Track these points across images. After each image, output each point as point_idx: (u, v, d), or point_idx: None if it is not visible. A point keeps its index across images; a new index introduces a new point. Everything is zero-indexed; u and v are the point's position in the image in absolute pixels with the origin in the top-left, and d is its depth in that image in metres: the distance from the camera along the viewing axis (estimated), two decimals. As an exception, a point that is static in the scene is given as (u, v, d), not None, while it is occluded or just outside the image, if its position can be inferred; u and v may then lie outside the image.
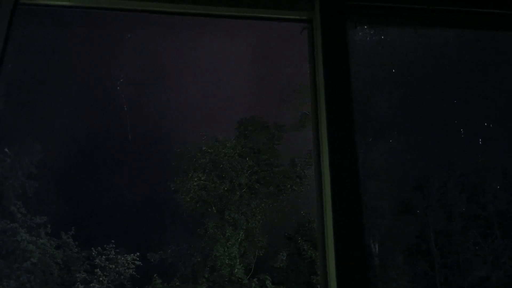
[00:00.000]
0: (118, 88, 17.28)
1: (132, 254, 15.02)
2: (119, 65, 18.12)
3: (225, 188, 15.86)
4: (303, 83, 17.25)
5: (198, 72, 19.61)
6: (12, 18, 1.98)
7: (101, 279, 14.34)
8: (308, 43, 2.11)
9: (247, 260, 15.40)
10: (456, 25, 2.33)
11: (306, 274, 15.47)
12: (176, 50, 19.26)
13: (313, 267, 15.37)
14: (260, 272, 15.27)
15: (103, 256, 14.75)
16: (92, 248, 14.81)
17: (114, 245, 15.02)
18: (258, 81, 19.48)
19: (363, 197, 1.79)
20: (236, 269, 14.92)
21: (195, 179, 15.99)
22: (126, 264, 14.81)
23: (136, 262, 14.96)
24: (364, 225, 1.73)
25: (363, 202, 1.75)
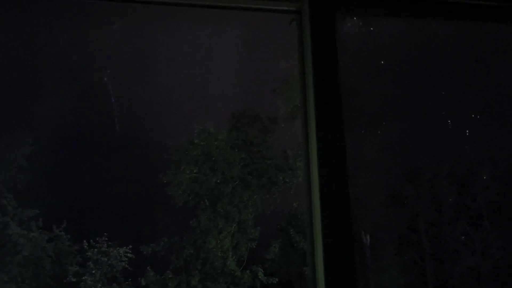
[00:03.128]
0: (105, 79, 17.13)
1: (125, 247, 15.00)
2: (106, 56, 17.95)
3: (217, 181, 15.86)
4: (295, 75, 17.21)
5: (188, 64, 19.50)
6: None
7: (93, 272, 14.33)
8: (297, 34, 2.10)
9: (240, 252, 15.46)
10: (446, 17, 2.33)
11: (298, 265, 15.59)
12: (165, 42, 19.11)
13: (305, 259, 15.48)
14: (252, 263, 15.35)
15: (95, 249, 14.72)
16: (84, 241, 14.76)
17: (106, 238, 14.99)
18: (250, 73, 19.42)
19: (352, 188, 1.80)
20: (228, 261, 14.98)
21: (187, 172, 15.96)
22: (119, 257, 14.80)
23: (128, 254, 14.96)
24: (352, 217, 1.73)
25: (351, 193, 1.76)
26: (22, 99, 16.37)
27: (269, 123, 17.41)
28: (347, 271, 1.64)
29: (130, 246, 15.08)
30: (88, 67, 17.95)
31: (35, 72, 16.75)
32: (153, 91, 18.78)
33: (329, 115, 1.86)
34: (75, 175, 16.75)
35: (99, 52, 18.07)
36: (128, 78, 18.35)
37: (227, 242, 15.19)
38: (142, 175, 17.02)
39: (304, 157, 1.98)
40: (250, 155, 16.67)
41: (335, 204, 1.72)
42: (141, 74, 18.82)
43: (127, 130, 17.70)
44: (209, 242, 14.97)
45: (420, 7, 2.22)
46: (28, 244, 13.91)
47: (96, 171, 17.02)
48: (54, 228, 14.70)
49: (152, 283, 14.60)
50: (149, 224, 16.35)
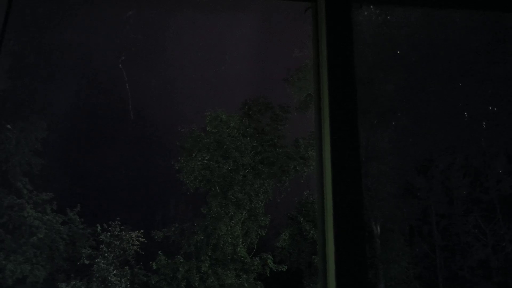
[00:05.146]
0: (120, 66, 17.21)
1: (137, 231, 15.22)
2: (121, 43, 18.01)
3: (229, 168, 15.92)
4: (309, 63, 17.09)
5: (202, 52, 19.46)
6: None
7: (106, 255, 14.57)
8: (312, 22, 2.07)
9: (250, 239, 15.57)
10: (463, 6, 2.28)
11: (308, 254, 15.65)
12: (179, 29, 19.07)
13: (315, 248, 15.53)
14: (262, 251, 15.45)
15: (108, 233, 14.95)
16: (98, 225, 14.99)
17: (119, 222, 15.20)
18: (263, 61, 19.32)
19: (364, 179, 1.79)
20: (238, 248, 15.11)
21: (199, 159, 16.05)
22: (131, 241, 15.03)
23: (140, 239, 15.18)
24: (364, 207, 1.73)
25: (363, 184, 1.75)
26: (38, 84, 16.55)
27: (281, 111, 17.36)
28: (358, 260, 1.65)
29: (142, 231, 15.29)
30: (103, 54, 18.04)
31: (50, 57, 16.88)
32: (167, 78, 18.83)
33: (343, 105, 1.85)
34: (89, 159, 16.97)
35: (113, 38, 18.14)
36: (142, 64, 18.42)
37: (238, 229, 15.31)
38: (155, 161, 17.18)
39: (317, 147, 1.97)
40: (261, 143, 16.68)
41: (347, 193, 1.72)
42: (155, 61, 18.86)
43: (140, 116, 17.82)
44: (220, 228, 15.09)
45: (438, -4, 2.18)
46: (43, 226, 14.19)
47: (110, 156, 17.22)
48: (68, 211, 14.97)
49: (163, 267, 14.81)
50: (161, 209, 16.55)
